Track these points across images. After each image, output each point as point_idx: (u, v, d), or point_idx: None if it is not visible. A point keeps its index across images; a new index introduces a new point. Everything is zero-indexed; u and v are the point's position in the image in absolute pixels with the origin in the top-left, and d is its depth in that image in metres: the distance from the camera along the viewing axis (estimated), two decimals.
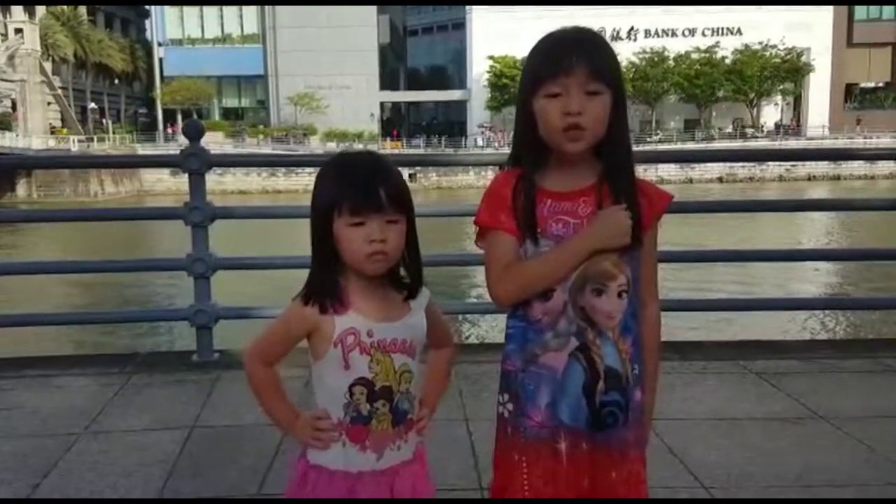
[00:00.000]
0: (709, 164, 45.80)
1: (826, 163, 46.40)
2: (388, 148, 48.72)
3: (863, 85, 60.19)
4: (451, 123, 61.65)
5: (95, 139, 50.27)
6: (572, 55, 1.54)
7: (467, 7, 58.77)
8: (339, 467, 1.61)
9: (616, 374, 1.61)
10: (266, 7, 58.04)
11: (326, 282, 1.58)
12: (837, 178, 46.71)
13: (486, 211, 1.65)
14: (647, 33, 56.28)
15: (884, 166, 44.51)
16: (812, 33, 55.13)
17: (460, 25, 61.09)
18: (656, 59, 54.25)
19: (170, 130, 56.34)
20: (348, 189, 1.54)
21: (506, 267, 1.61)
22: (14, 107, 50.17)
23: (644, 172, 1.68)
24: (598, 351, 1.60)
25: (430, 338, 1.68)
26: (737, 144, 48.63)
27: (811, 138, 51.08)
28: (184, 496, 2.75)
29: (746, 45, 54.66)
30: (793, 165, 46.69)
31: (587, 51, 1.56)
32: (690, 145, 48.31)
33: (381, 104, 60.92)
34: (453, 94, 61.58)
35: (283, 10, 57.04)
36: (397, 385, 1.60)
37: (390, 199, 1.54)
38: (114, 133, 53.94)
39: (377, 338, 1.58)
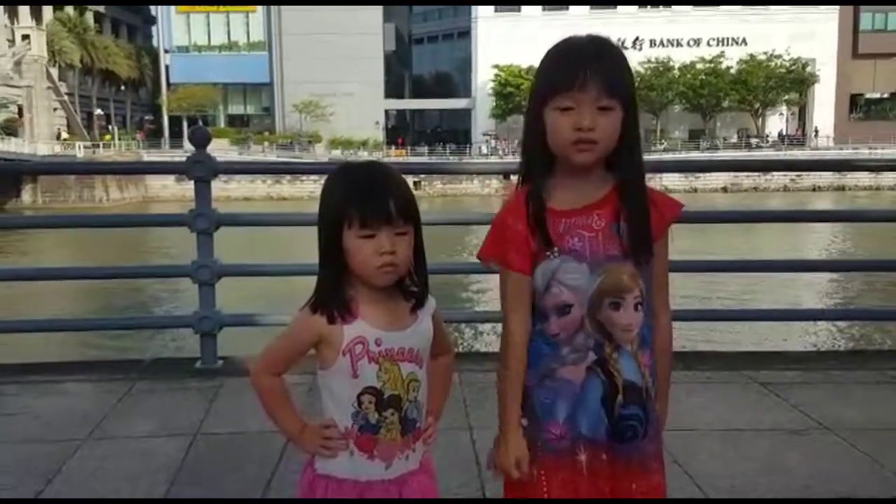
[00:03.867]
0: (713, 174, 45.71)
1: (831, 173, 46.27)
2: (393, 156, 48.79)
3: (868, 95, 60.15)
4: (455, 132, 61.67)
5: (101, 145, 50.43)
6: (587, 70, 1.53)
7: (473, 15, 58.89)
8: (348, 476, 1.61)
9: (636, 388, 1.61)
10: (272, 14, 58.27)
11: (334, 291, 1.58)
12: (842, 188, 46.61)
13: (491, 245, 1.65)
14: (653, 43, 56.34)
15: (889, 177, 44.37)
16: (817, 43, 55.12)
17: (465, 34, 61.20)
18: (661, 68, 54.32)
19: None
20: (357, 201, 1.54)
21: (519, 310, 1.63)
22: (20, 112, 50.36)
23: (649, 182, 1.68)
24: (615, 365, 1.60)
25: (431, 346, 1.68)
26: (741, 154, 48.57)
27: (816, 148, 51.02)
28: (186, 498, 2.74)
29: (751, 55, 54.69)
30: (798, 176, 46.60)
31: (602, 65, 1.55)
32: (695, 154, 48.23)
33: (386, 112, 61.03)
34: (458, 103, 61.63)
35: (288, 18, 57.24)
36: (406, 394, 1.61)
37: (399, 210, 1.54)
38: (119, 139, 54.12)
39: (385, 346, 1.58)
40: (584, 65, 1.54)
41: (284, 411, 1.68)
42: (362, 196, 1.54)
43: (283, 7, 56.95)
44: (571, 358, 1.60)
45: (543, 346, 1.63)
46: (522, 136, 1.70)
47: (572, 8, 55.96)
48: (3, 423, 3.52)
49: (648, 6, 56.13)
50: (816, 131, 55.11)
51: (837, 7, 55.34)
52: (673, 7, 56.01)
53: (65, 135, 51.55)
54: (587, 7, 55.69)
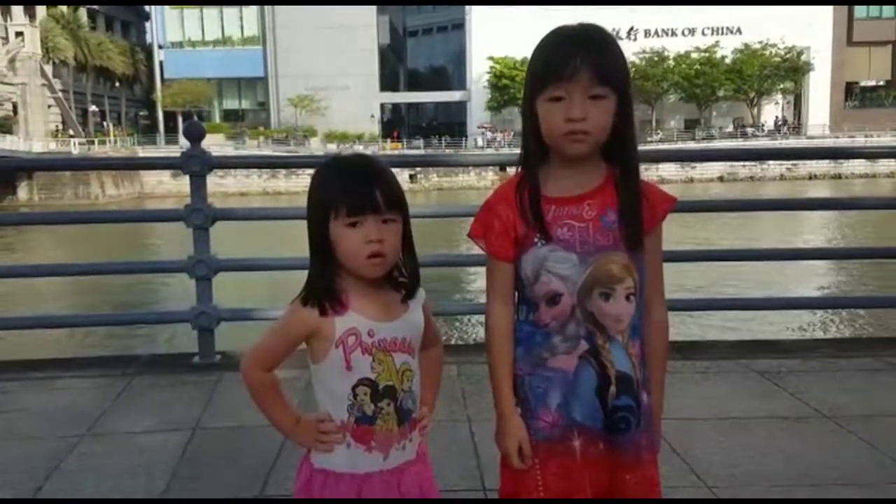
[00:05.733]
0: (709, 164, 45.71)
1: (827, 161, 46.30)
2: (389, 149, 48.71)
3: (863, 83, 60.13)
4: (451, 124, 61.56)
5: (96, 142, 50.30)
6: (576, 58, 1.51)
7: (467, 7, 58.68)
8: (346, 469, 1.61)
9: (628, 379, 1.61)
10: (266, 9, 58.04)
11: (325, 283, 1.58)
12: (838, 176, 46.67)
13: (478, 226, 1.67)
14: (647, 33, 56.23)
15: (885, 165, 44.42)
16: (812, 32, 55.03)
17: (460, 26, 61.02)
18: (656, 58, 54.24)
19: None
20: (344, 190, 1.55)
21: (500, 297, 1.66)
22: (15, 110, 50.20)
23: (645, 172, 1.67)
24: (607, 356, 1.60)
25: (421, 337, 1.69)
26: (737, 144, 48.60)
27: (811, 137, 51.04)
28: (186, 498, 2.74)
29: (746, 45, 54.60)
30: (794, 164, 46.64)
31: (592, 54, 1.53)
32: (691, 145, 48.25)
33: (381, 105, 60.90)
34: (453, 95, 61.50)
35: (282, 12, 57.04)
36: (400, 384, 1.61)
37: (385, 198, 1.55)
38: (114, 136, 53.97)
39: (378, 337, 1.58)
40: (574, 53, 1.52)
41: (277, 406, 1.67)
42: (348, 185, 1.56)
43: None
44: (563, 347, 1.60)
45: (535, 334, 1.63)
46: (521, 127, 1.70)
47: None
48: (2, 420, 3.51)
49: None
50: (786, 123, 55.11)
51: None
52: None
53: (71, 131, 51.42)
54: None
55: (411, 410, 1.64)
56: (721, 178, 46.97)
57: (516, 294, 1.68)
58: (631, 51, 52.39)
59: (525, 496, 1.64)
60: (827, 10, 55.73)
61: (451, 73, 65.08)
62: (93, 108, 59.83)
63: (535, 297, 1.62)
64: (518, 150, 1.72)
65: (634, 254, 1.60)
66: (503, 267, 1.64)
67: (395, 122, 63.85)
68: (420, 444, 1.69)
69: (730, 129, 55.45)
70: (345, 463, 1.61)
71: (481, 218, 1.67)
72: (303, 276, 1.64)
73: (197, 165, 4.30)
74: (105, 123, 59.37)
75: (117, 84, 64.35)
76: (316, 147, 51.09)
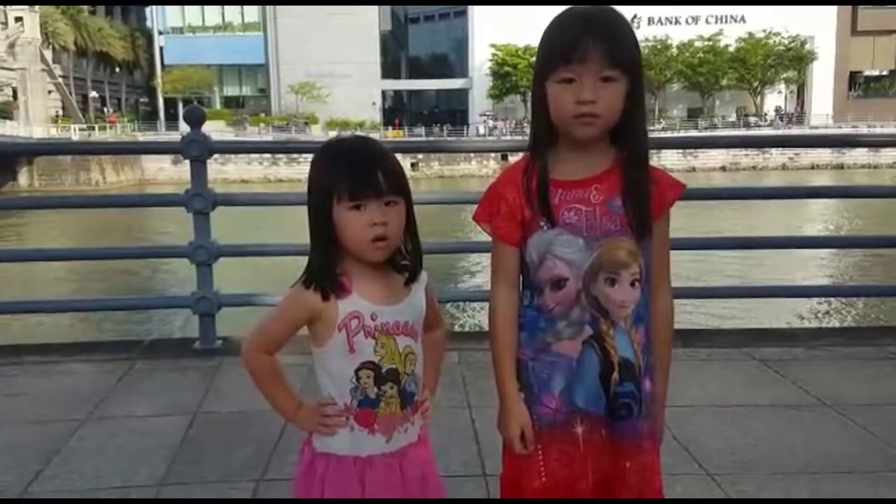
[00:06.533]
0: (712, 153, 45.70)
1: (829, 151, 46.20)
2: (391, 137, 48.62)
3: (867, 73, 59.95)
4: (452, 112, 61.43)
5: (97, 128, 50.23)
6: (588, 40, 1.48)
7: None
8: (348, 452, 1.60)
9: (630, 365, 1.60)
10: None
11: (326, 267, 1.57)
12: (841, 166, 46.59)
13: (482, 210, 1.66)
14: (651, 21, 55.98)
15: (887, 155, 44.34)
16: (816, 21, 54.83)
17: (462, 13, 60.79)
18: (660, 47, 54.06)
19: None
20: (345, 174, 1.53)
21: (504, 281, 1.64)
22: (15, 95, 50.09)
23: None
24: (611, 342, 1.58)
25: (424, 320, 1.68)
26: (740, 133, 48.54)
27: (815, 126, 50.93)
28: (187, 482, 2.74)
29: (750, 33, 54.43)
30: (796, 154, 46.54)
31: (604, 35, 1.49)
32: (694, 133, 48.16)
33: (383, 93, 60.73)
34: (455, 83, 61.33)
35: None
36: (403, 367, 1.60)
37: (388, 181, 1.53)
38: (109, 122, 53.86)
39: (381, 321, 1.58)
40: (585, 34, 1.49)
41: (279, 391, 1.67)
42: (350, 168, 1.53)
43: None
44: (567, 332, 1.59)
45: (539, 319, 1.61)
46: (530, 110, 1.67)
47: None
48: (3, 405, 3.51)
49: None
50: (779, 112, 54.95)
51: None
52: None
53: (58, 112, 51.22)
54: None
55: (414, 393, 1.64)
56: (723, 168, 46.89)
57: (520, 278, 1.66)
58: None
59: (527, 482, 1.64)
60: None
61: (452, 61, 64.87)
62: (93, 93, 59.68)
63: (540, 282, 1.60)
64: (519, 138, 1.69)
65: (641, 240, 1.58)
66: (509, 251, 1.63)
67: (397, 110, 63.71)
68: (422, 427, 1.69)
69: (733, 118, 55.32)
70: (347, 446, 1.60)
71: (487, 202, 1.65)
72: (304, 261, 1.62)
73: (197, 150, 4.28)
74: (106, 109, 59.21)
75: (117, 70, 64.20)
76: (317, 134, 50.98)
